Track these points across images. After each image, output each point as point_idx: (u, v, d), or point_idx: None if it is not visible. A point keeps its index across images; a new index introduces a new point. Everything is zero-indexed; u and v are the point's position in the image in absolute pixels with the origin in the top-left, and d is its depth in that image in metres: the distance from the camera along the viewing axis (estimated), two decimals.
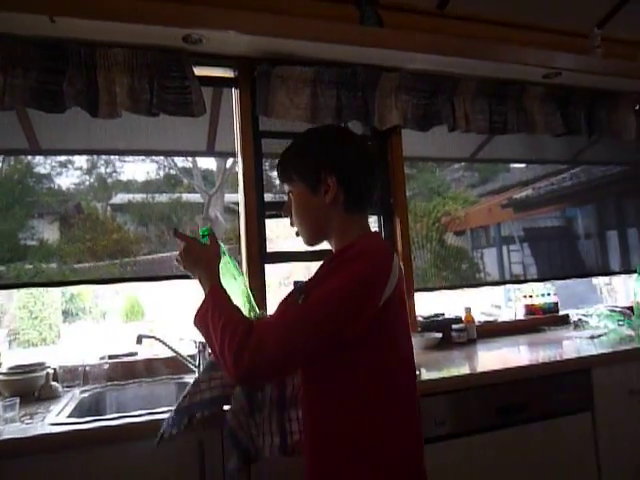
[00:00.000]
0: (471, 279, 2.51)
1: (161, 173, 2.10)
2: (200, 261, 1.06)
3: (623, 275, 2.79)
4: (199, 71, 1.87)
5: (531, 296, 2.47)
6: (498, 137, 2.41)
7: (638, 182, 2.65)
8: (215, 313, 0.93)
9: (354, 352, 0.92)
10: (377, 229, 2.25)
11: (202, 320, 0.96)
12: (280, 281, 2.59)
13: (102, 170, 1.98)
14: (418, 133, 2.15)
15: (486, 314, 2.44)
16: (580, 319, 2.28)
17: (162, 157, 2.07)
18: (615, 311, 2.24)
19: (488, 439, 1.55)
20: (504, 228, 2.69)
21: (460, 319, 2.20)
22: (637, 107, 2.60)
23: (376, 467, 0.91)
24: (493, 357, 1.91)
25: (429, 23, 2.25)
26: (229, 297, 0.99)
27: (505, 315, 2.49)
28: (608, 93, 2.49)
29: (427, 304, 2.39)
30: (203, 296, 1.00)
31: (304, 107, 1.94)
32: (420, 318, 2.21)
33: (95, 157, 1.94)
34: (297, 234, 1.11)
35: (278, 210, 2.10)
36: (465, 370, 1.68)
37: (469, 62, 2.07)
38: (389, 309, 0.93)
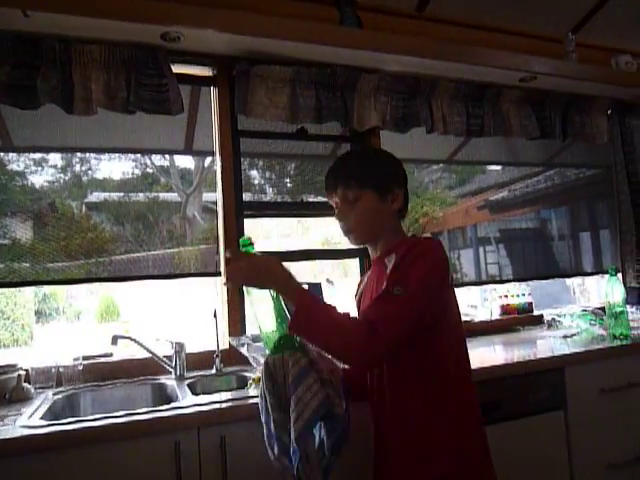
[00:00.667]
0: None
1: (138, 172, 2.07)
2: (271, 272, 1.09)
3: (595, 276, 2.86)
4: (177, 69, 1.85)
5: (507, 296, 2.51)
6: (475, 139, 2.44)
7: (610, 185, 2.71)
8: (318, 312, 1.04)
9: (431, 332, 1.09)
10: None
11: (307, 322, 1.03)
12: None
13: (77, 168, 1.94)
14: (397, 134, 2.17)
15: (463, 314, 2.47)
16: (554, 319, 2.32)
17: (139, 155, 2.05)
18: (587, 311, 2.29)
19: None
20: (480, 229, 2.72)
21: None
22: (609, 111, 2.67)
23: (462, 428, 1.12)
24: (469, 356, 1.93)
25: (408, 25, 2.27)
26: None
27: (481, 315, 2.52)
28: (582, 97, 2.54)
29: None
30: (295, 301, 1.05)
31: (283, 107, 1.94)
32: None
33: (70, 155, 1.90)
34: (347, 234, 1.24)
35: (257, 210, 2.11)
36: None
37: (447, 65, 2.09)
38: (452, 292, 1.17)
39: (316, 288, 1.92)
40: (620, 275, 2.53)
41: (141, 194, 2.04)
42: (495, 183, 2.77)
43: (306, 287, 1.11)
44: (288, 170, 2.32)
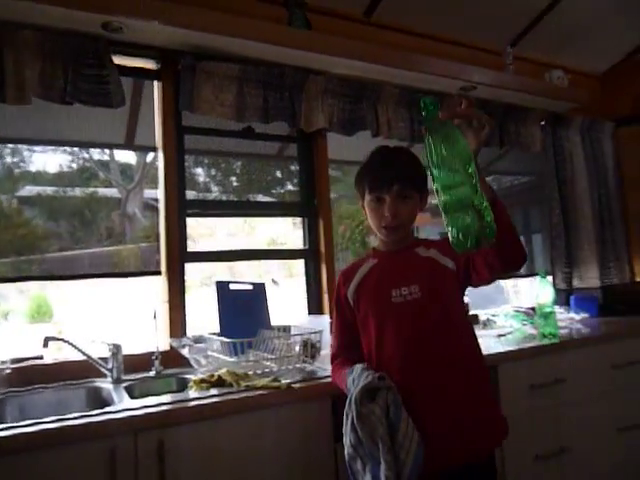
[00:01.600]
0: None
1: (75, 165, 1.98)
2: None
3: (528, 278, 3.01)
4: (119, 60, 1.79)
5: None
6: (419, 145, 2.51)
7: (543, 191, 2.87)
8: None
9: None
10: (302, 230, 2.27)
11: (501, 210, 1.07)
12: (202, 281, 2.53)
13: (8, 160, 1.83)
14: (343, 137, 2.20)
15: None
16: (489, 319, 2.43)
17: (76, 148, 1.96)
18: (520, 311, 2.41)
19: None
20: (422, 232, 2.80)
21: None
22: (542, 122, 2.82)
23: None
24: None
25: (355, 30, 2.30)
26: None
27: None
28: (518, 108, 2.68)
29: None
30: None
31: (230, 105, 1.91)
32: None
33: (1, 145, 1.79)
34: (393, 227, 1.30)
35: (201, 208, 2.07)
36: None
37: (392, 71, 2.14)
38: None
39: (260, 288, 1.91)
40: (550, 278, 2.68)
41: (78, 189, 1.95)
42: (429, 188, 2.85)
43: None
44: (234, 169, 2.29)
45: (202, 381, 1.46)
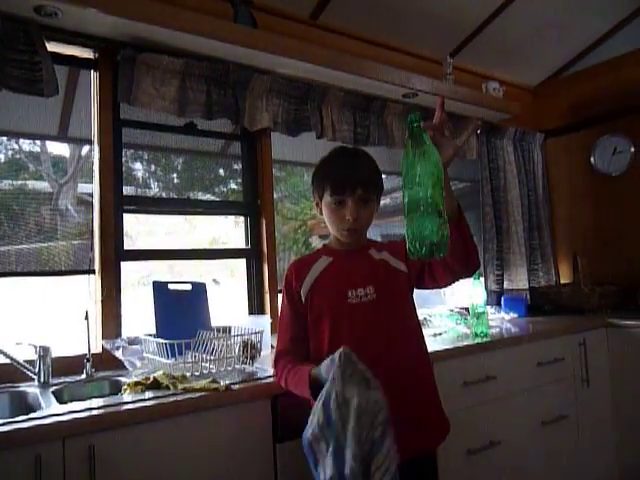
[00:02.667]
0: None
1: (2, 156, 1.86)
2: None
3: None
4: (54, 47, 1.70)
5: None
6: (363, 147, 2.56)
7: (477, 197, 2.99)
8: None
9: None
10: (244, 229, 2.26)
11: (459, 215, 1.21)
12: (139, 280, 2.45)
13: None
14: (289, 137, 2.20)
15: None
16: (425, 318, 2.50)
17: (4, 138, 1.84)
18: (454, 312, 2.51)
19: None
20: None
21: None
22: (479, 131, 2.94)
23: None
24: None
25: (301, 31, 2.31)
26: None
27: None
28: (456, 116, 2.78)
29: None
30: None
31: (171, 99, 1.87)
32: None
33: None
34: (354, 230, 1.33)
35: (139, 205, 2.01)
36: None
37: (337, 74, 2.17)
38: None
39: (200, 288, 1.87)
40: (483, 279, 2.81)
41: (5, 181, 1.83)
42: None
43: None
44: (175, 165, 2.24)
45: (137, 384, 1.41)
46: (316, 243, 2.59)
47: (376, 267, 1.35)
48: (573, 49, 3.20)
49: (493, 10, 2.64)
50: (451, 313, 2.48)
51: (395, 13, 2.50)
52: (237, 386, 1.43)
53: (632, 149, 2.98)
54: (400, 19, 2.55)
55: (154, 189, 2.11)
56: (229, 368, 1.57)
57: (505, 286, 2.93)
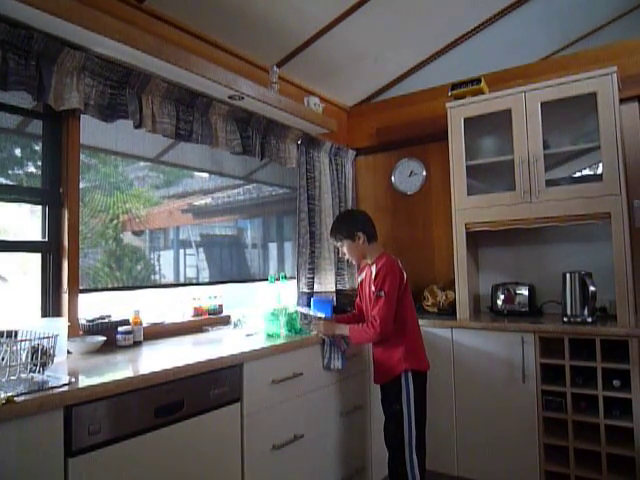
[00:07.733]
0: (146, 280, 2.49)
1: None
2: (334, 325, 2.33)
3: (276, 282, 3.25)
4: None
5: (199, 298, 2.62)
6: (185, 144, 2.48)
7: (294, 203, 3.14)
8: (356, 330, 2.23)
9: (400, 305, 2.21)
10: (40, 219, 2.00)
11: (355, 334, 2.24)
12: None
13: None
14: (104, 122, 2.02)
15: (159, 316, 2.45)
16: (239, 319, 2.54)
17: None
18: (266, 312, 2.58)
19: (147, 440, 1.55)
20: (183, 232, 2.77)
21: (127, 321, 2.15)
22: (299, 142, 3.10)
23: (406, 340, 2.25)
24: (157, 358, 1.93)
25: (125, 12, 2.16)
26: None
27: (173, 317, 2.54)
28: (279, 125, 2.88)
29: (106, 305, 2.25)
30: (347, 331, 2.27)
31: None
32: (83, 321, 2.06)
33: None
34: (347, 261, 2.61)
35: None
36: (126, 373, 1.63)
37: (160, 63, 2.06)
38: (406, 288, 2.25)
39: None
40: (295, 281, 2.96)
41: None
42: (200, 189, 2.87)
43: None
44: None
45: None
46: (129, 239, 2.43)
47: (370, 281, 2.25)
48: (383, 79, 3.60)
49: (319, 29, 2.82)
50: (264, 313, 2.55)
51: (229, 14, 2.49)
52: (22, 397, 1.26)
53: (424, 172, 3.48)
54: (232, 20, 2.55)
55: None
56: (13, 377, 1.37)
57: (315, 288, 3.12)
